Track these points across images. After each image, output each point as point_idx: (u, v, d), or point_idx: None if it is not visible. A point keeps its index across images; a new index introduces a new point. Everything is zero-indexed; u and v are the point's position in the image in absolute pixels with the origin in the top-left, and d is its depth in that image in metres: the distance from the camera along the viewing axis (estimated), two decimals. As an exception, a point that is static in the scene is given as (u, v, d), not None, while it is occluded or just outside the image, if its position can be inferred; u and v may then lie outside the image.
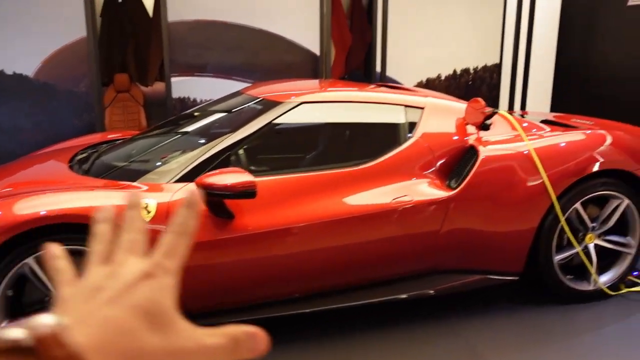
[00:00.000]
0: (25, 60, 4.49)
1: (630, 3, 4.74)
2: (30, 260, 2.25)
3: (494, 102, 5.53)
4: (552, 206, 2.85)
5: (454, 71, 5.39)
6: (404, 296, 2.79)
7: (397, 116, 2.91)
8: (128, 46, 5.51)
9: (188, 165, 2.55)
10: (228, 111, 3.00)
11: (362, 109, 2.93)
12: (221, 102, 3.28)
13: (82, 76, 4.64)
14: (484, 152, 2.80)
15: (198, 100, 4.86)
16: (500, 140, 2.91)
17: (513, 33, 5.41)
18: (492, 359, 2.57)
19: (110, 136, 3.71)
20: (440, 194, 2.73)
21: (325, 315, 2.91)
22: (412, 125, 2.89)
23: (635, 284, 3.22)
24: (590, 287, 3.05)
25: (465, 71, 5.42)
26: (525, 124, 3.15)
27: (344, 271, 2.69)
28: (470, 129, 2.99)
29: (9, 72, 4.48)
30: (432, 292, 2.83)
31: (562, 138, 3.00)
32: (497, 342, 2.72)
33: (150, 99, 5.71)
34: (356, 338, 2.75)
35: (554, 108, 5.62)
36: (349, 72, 5.84)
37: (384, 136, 2.93)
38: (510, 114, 4.10)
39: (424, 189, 2.74)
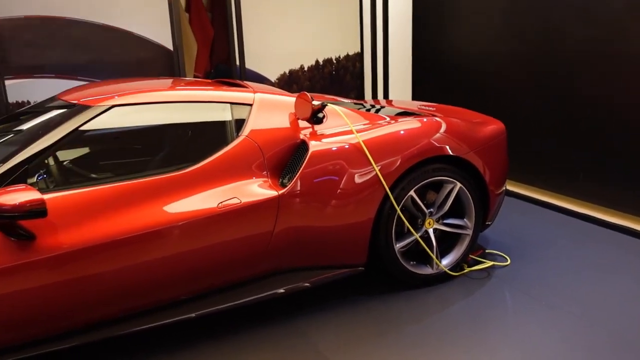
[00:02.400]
0: None
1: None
2: None
3: (359, 90, 5.59)
4: (387, 196, 2.87)
5: (317, 61, 5.36)
6: (248, 300, 2.69)
7: (222, 114, 2.79)
8: (-43, 46, 4.93)
9: (-22, 183, 2.27)
10: (38, 118, 2.71)
11: (182, 109, 2.77)
12: (34, 108, 2.98)
13: None
14: (313, 147, 2.75)
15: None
16: (331, 134, 2.88)
17: (369, 22, 5.47)
18: (334, 356, 2.54)
19: None
20: (270, 193, 2.65)
21: (163, 330, 2.75)
22: (240, 123, 2.78)
23: (477, 263, 3.36)
24: (433, 271, 3.14)
25: (328, 61, 5.42)
26: (360, 116, 3.14)
27: (175, 282, 2.53)
28: (305, 123, 2.94)
29: None
30: (281, 291, 2.76)
31: (395, 127, 3.02)
32: (341, 337, 2.70)
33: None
34: (198, 347, 2.62)
35: (415, 95, 5.79)
36: (214, 67, 5.65)
37: (208, 137, 2.79)
38: (376, 103, 4.16)
39: (253, 189, 2.65)
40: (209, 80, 3.61)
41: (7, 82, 4.34)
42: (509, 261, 3.42)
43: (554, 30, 4.29)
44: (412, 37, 5.68)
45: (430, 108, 3.75)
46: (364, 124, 3.07)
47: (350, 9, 5.44)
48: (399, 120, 3.16)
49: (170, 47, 4.77)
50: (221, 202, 2.55)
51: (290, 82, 5.31)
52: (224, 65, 5.60)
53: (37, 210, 2.07)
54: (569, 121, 4.31)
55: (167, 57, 4.79)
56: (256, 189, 2.65)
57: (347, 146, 2.81)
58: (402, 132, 3.01)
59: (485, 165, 3.19)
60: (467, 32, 5.10)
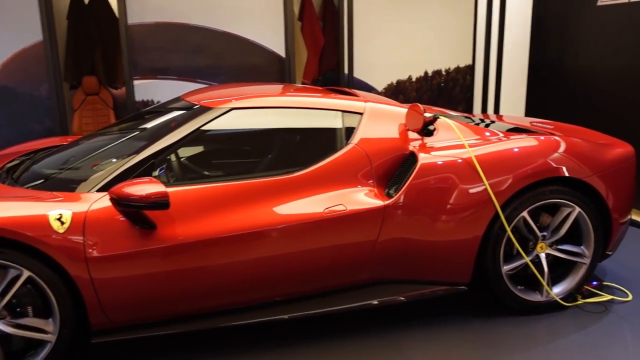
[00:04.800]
0: (-16, 63, 4.43)
1: (599, 3, 4.61)
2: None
3: (467, 104, 5.42)
4: (497, 214, 2.74)
5: (425, 72, 5.27)
6: (342, 307, 2.68)
7: (333, 122, 2.81)
8: (96, 48, 5.45)
9: (111, 174, 2.47)
10: (164, 117, 2.91)
11: (296, 115, 2.83)
12: (160, 107, 3.20)
13: (43, 80, 4.58)
14: (422, 159, 2.69)
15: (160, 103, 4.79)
16: (441, 147, 2.80)
17: (484, 34, 5.29)
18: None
19: (69, 140, 3.61)
20: (376, 202, 2.63)
21: (256, 329, 2.81)
22: (350, 131, 2.79)
23: (593, 295, 3.10)
24: (542, 298, 2.94)
25: (437, 73, 5.31)
26: (471, 130, 3.03)
27: (275, 283, 2.59)
28: (414, 135, 2.89)
29: (-33, 75, 4.43)
30: (375, 302, 2.73)
31: (509, 144, 2.88)
32: (439, 356, 2.61)
33: (121, 102, 5.64)
34: (291, 352, 2.65)
35: (528, 112, 5.50)
36: (322, 74, 5.75)
37: (318, 143, 2.83)
38: (485, 117, 4.02)
39: (359, 198, 2.64)
40: (319, 88, 3.67)
41: (135, 82, 4.72)
42: (630, 297, 3.11)
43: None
44: (530, 50, 5.40)
45: (548, 126, 3.53)
46: (476, 139, 2.96)
47: (464, 20, 5.30)
48: (512, 137, 3.00)
49: (282, 54, 4.93)
50: (327, 208, 2.57)
51: (397, 92, 5.27)
52: (331, 73, 5.68)
53: (161, 203, 2.22)
54: None
55: (278, 63, 4.95)
56: (362, 198, 2.64)
57: (458, 160, 2.72)
58: (516, 149, 2.86)
59: (609, 191, 2.93)
60: (594, 47, 4.75)
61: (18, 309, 2.31)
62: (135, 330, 2.46)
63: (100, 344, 2.46)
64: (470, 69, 5.38)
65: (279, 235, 2.51)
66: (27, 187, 2.56)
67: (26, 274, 2.23)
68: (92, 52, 5.46)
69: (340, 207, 2.58)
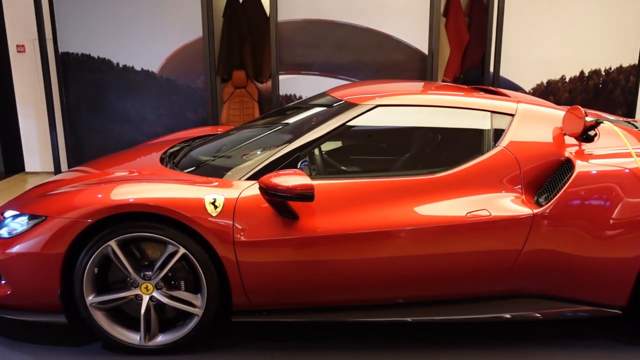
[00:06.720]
0: (152, 57, 4.93)
1: None
2: (112, 243, 2.45)
3: (629, 108, 4.87)
4: (666, 234, 2.43)
5: (581, 72, 4.83)
6: (471, 317, 2.56)
7: (481, 123, 2.68)
8: (246, 44, 5.79)
9: (259, 164, 2.60)
10: (310, 112, 3.00)
11: (441, 114, 2.74)
12: (306, 102, 3.30)
13: (200, 73, 4.98)
14: (580, 167, 2.46)
15: (303, 98, 4.95)
16: (603, 155, 2.54)
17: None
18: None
19: (219, 130, 3.89)
20: (524, 210, 2.47)
21: (382, 329, 2.78)
22: (498, 133, 2.65)
23: None
24: None
25: (595, 72, 4.83)
26: (636, 138, 2.71)
27: (409, 283, 2.55)
28: (570, 140, 2.66)
29: (137, 68, 4.96)
30: (508, 316, 2.57)
31: (688, 155, 2.52)
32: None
33: (265, 96, 5.96)
34: (423, 356, 2.60)
35: None
36: (464, 72, 5.55)
37: (463, 144, 2.72)
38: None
39: (505, 204, 2.50)
40: (463, 86, 3.53)
41: (280, 77, 4.93)
42: None
43: None
44: None
45: None
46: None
47: (630, 13, 4.75)
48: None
49: (424, 51, 4.83)
50: (470, 212, 2.47)
51: (547, 93, 4.90)
52: (474, 71, 5.45)
53: (306, 195, 2.29)
54: None
55: (420, 60, 4.86)
56: (508, 204, 2.50)
57: (624, 171, 2.45)
58: (697, 161, 2.50)
59: None
60: None
61: (172, 282, 2.54)
62: (270, 314, 2.57)
63: (239, 322, 2.62)
64: (636, 69, 4.82)
65: (417, 236, 2.46)
66: (186, 172, 2.79)
67: (182, 251, 2.43)
68: (242, 47, 5.82)
69: (484, 213, 2.46)
